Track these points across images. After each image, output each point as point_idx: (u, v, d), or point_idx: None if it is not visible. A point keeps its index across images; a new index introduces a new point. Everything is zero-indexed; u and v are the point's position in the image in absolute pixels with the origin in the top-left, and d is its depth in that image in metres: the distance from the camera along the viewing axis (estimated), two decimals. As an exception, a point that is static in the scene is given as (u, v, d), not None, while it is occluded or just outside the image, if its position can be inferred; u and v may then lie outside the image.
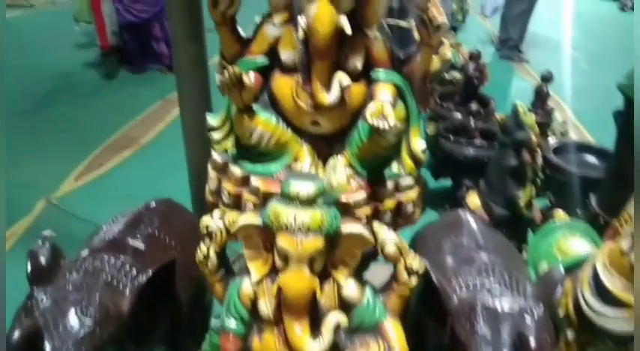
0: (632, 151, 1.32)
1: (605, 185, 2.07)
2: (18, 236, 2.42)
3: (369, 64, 1.24)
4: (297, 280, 1.02)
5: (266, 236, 1.03)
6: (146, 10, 4.10)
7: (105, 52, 4.45)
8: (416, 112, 1.28)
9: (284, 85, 1.22)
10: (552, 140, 2.57)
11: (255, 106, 1.23)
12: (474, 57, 2.69)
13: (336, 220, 1.00)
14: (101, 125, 3.49)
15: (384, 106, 1.15)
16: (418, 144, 1.29)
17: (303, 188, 0.98)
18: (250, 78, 1.22)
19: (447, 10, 5.33)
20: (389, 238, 1.09)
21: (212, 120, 1.30)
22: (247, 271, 1.10)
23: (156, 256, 1.23)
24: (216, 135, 1.31)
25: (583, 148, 2.47)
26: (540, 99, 2.62)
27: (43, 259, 1.15)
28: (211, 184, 1.34)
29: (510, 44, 5.20)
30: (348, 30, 1.12)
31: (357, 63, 1.21)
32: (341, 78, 1.16)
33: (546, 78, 2.61)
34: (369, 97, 1.24)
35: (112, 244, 1.25)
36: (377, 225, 1.15)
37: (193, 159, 1.68)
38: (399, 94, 1.25)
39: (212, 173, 1.33)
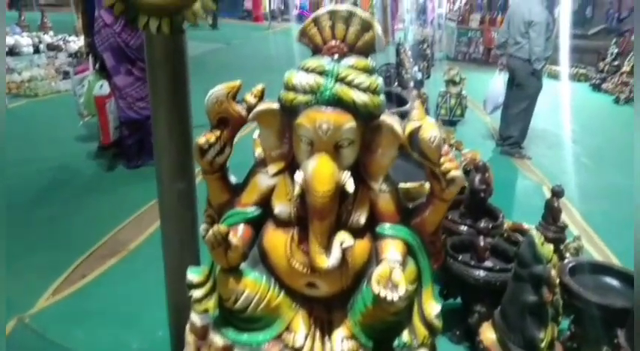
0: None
1: (632, 320, 1.86)
2: (-19, 364, 2.17)
3: (375, 218, 1.10)
4: None
5: None
6: (148, 107, 4.07)
7: (104, 147, 4.41)
8: (429, 271, 1.12)
9: (277, 240, 1.07)
10: (568, 259, 2.39)
11: (243, 265, 1.08)
12: (480, 169, 2.58)
13: None
14: (90, 228, 3.32)
15: (392, 271, 0.99)
16: (432, 308, 1.12)
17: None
18: (239, 233, 1.08)
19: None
20: None
21: (192, 276, 1.14)
22: None
23: None
24: (196, 293, 1.13)
25: (603, 269, 2.28)
26: (552, 214, 2.48)
27: None
28: (188, 350, 1.15)
29: (511, 141, 5.17)
30: (351, 188, 1.00)
31: (361, 218, 1.07)
32: (343, 239, 1.01)
33: (557, 193, 2.49)
34: (375, 254, 1.10)
35: None
36: None
37: (174, 303, 1.49)
38: (409, 251, 1.10)
39: (190, 338, 1.14)
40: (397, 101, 3.46)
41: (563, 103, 7.23)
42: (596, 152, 5.45)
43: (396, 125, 1.02)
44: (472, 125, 6.14)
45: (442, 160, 1.02)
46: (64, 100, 6.76)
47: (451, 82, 5.94)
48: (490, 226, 2.49)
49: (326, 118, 0.95)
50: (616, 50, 10.09)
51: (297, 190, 1.00)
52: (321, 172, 0.97)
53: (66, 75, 7.77)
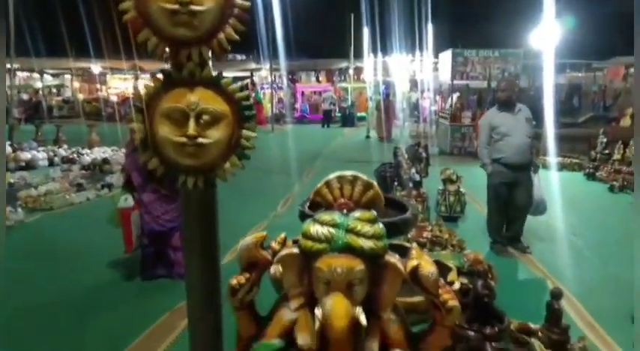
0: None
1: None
2: None
3: (386, 344, 1.25)
4: None
5: None
6: (172, 220, 4.29)
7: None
8: (437, 393, 1.26)
9: (301, 370, 1.22)
10: (575, 361, 2.46)
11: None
12: (482, 274, 2.73)
13: None
14: (108, 342, 3.39)
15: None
16: None
17: None
18: (267, 363, 1.23)
19: None
20: None
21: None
22: None
23: None
24: None
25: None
26: (554, 317, 2.59)
27: None
28: None
29: (496, 241, 5.30)
30: (364, 321, 1.16)
31: (374, 346, 1.23)
32: (359, 368, 1.16)
33: (556, 295, 2.61)
34: (388, 378, 1.23)
35: None
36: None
37: None
38: (418, 374, 1.24)
39: None
40: (398, 207, 3.67)
41: (557, 193, 7.39)
42: (597, 244, 5.55)
43: (398, 264, 1.21)
44: (473, 220, 6.32)
45: (440, 291, 1.20)
46: (78, 213, 7.05)
47: (448, 180, 6.25)
48: (497, 329, 2.59)
49: (340, 263, 1.15)
50: (605, 139, 10.53)
51: (317, 325, 1.16)
52: (337, 309, 1.14)
53: (80, 187, 8.13)
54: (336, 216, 1.19)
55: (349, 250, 1.16)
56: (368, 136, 16.61)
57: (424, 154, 6.48)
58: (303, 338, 1.23)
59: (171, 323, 3.67)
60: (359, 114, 20.95)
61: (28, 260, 4.95)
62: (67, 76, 28.44)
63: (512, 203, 5.19)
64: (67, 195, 7.69)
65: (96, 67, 25.46)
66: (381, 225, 1.21)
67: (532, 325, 2.88)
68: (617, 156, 9.73)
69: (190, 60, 1.37)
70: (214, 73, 1.41)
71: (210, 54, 1.38)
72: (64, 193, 7.69)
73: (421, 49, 19.84)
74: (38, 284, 4.41)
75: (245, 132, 1.38)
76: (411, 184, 5.94)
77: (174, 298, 3.87)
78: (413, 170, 6.01)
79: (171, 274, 4.39)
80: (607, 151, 10.20)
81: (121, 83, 28.25)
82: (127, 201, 4.38)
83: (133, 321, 3.75)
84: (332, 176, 1.22)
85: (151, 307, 3.90)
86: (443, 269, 2.51)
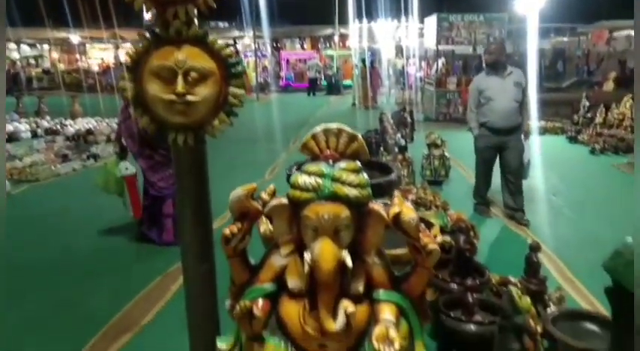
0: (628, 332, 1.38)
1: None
2: None
3: (370, 286, 1.34)
4: None
5: None
6: (167, 187, 4.36)
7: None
8: (419, 328, 1.35)
9: (291, 310, 1.31)
10: (551, 309, 2.60)
11: (264, 333, 1.30)
12: (463, 230, 2.84)
13: None
14: (103, 305, 3.47)
15: (388, 330, 1.22)
16: (424, 359, 1.34)
17: None
18: (259, 306, 1.31)
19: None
20: None
21: (221, 344, 1.36)
22: None
23: None
24: (226, 359, 1.35)
25: (583, 316, 2.49)
26: (532, 268, 2.71)
27: None
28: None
29: (478, 202, 5.42)
30: (350, 263, 1.24)
31: (359, 287, 1.31)
32: (346, 306, 1.25)
33: (535, 248, 2.73)
34: (373, 316, 1.32)
35: None
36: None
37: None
38: (401, 312, 1.33)
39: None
40: (383, 170, 3.75)
41: (539, 156, 7.52)
42: (576, 204, 5.73)
43: (381, 211, 1.28)
44: (457, 184, 6.46)
45: (421, 235, 1.28)
46: (65, 183, 7.04)
47: (433, 145, 6.33)
48: (478, 282, 2.71)
49: (327, 210, 1.22)
50: (587, 103, 10.67)
51: (306, 268, 1.24)
52: (325, 253, 1.21)
53: (65, 158, 8.08)
54: (322, 166, 1.25)
55: (335, 198, 1.23)
56: (354, 104, 16.59)
57: (409, 120, 6.53)
58: (293, 282, 1.31)
59: (164, 286, 3.77)
60: (345, 82, 20.82)
61: (20, 229, 4.98)
62: (46, 47, 27.71)
63: (501, 168, 5.24)
64: (53, 166, 7.66)
65: (75, 37, 24.83)
66: (365, 175, 1.28)
67: (512, 278, 3.01)
68: (599, 119, 9.90)
69: (177, 18, 1.40)
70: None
71: (195, 12, 1.41)
72: (49, 165, 7.66)
73: (406, 14, 19.62)
74: (30, 252, 4.46)
75: (232, 89, 1.43)
76: (396, 149, 6.01)
77: (166, 263, 3.97)
78: (398, 135, 6.07)
79: (160, 241, 4.46)
80: (589, 115, 10.36)
81: (101, 53, 27.62)
82: (129, 169, 4.47)
83: (128, 282, 3.84)
84: (318, 129, 1.28)
85: (144, 270, 4.00)
86: (426, 226, 2.61)
